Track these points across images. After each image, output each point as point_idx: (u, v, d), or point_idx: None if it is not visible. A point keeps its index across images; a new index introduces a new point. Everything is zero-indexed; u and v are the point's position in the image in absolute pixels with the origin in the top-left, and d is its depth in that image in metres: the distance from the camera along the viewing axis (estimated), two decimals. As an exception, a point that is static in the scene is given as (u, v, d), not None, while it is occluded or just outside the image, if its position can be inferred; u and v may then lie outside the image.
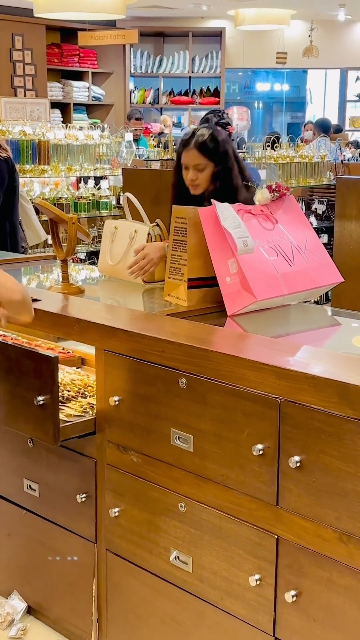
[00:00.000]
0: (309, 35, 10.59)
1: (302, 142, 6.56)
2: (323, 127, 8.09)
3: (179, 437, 1.97)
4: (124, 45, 10.83)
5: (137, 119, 8.41)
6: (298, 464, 1.71)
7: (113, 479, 2.19)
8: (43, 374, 2.01)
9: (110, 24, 10.58)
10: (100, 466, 2.23)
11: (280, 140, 5.99)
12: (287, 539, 1.78)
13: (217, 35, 11.27)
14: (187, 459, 1.96)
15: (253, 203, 2.53)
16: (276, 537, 1.80)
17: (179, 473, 2.00)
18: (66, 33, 10.60)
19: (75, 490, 2.30)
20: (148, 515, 2.10)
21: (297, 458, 1.71)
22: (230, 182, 2.75)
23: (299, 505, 1.74)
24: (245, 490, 1.84)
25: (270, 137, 5.95)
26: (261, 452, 1.77)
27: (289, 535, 1.77)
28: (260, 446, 1.77)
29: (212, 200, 2.36)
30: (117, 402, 2.11)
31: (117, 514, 2.18)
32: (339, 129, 9.24)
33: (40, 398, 2.02)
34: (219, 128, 2.77)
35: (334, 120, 11.86)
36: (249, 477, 1.82)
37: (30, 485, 2.44)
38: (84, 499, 2.27)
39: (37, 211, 4.67)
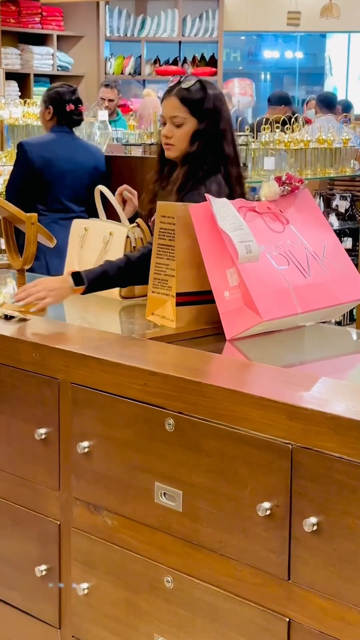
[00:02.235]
0: (328, -9, 10.71)
1: (303, 123, 6.62)
2: (326, 103, 8.08)
3: (164, 494, 1.96)
4: (97, 2, 10.91)
5: (107, 85, 8.23)
6: (315, 528, 1.71)
7: (81, 547, 2.18)
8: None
9: (81, -24, 10.68)
10: (65, 531, 2.22)
11: (293, 119, 6.03)
12: (302, 622, 1.77)
13: (213, -9, 11.40)
14: (176, 521, 1.95)
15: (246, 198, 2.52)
16: (287, 620, 1.79)
17: (165, 539, 1.99)
18: (25, -14, 10.68)
19: (34, 562, 2.28)
20: (126, 593, 2.09)
21: (313, 520, 1.70)
22: (217, 147, 2.69)
23: (316, 580, 1.73)
24: (249, 561, 1.83)
25: (281, 117, 6.00)
26: (268, 512, 1.77)
27: (304, 618, 1.77)
28: (267, 505, 1.77)
29: (207, 196, 2.37)
30: (86, 449, 2.10)
31: (86, 591, 2.17)
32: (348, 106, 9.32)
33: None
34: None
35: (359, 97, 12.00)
36: (253, 544, 1.82)
37: (-24, 555, 2.43)
38: (44, 573, 2.26)
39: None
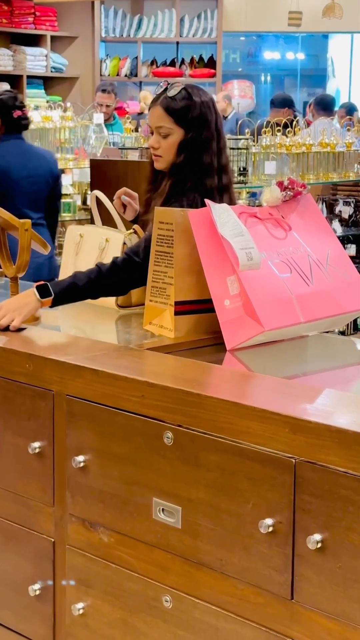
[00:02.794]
0: (331, -10, 10.75)
1: (306, 125, 6.64)
2: (322, 105, 8.10)
3: (163, 510, 1.96)
4: (92, 2, 10.95)
5: (103, 90, 8.31)
6: (319, 545, 1.70)
7: (77, 565, 2.17)
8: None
9: (75, -26, 10.72)
10: (59, 548, 2.21)
11: (295, 122, 6.05)
12: (306, 643, 1.77)
13: (212, -10, 11.44)
14: (175, 538, 1.95)
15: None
16: (291, 641, 1.79)
17: (164, 557, 1.98)
18: (18, -14, 10.71)
19: (27, 581, 2.28)
20: (123, 613, 2.08)
21: (317, 537, 1.70)
22: (197, 158, 2.63)
23: (321, 599, 1.73)
24: (251, 580, 1.83)
25: (282, 120, 6.01)
26: (271, 528, 1.76)
27: (308, 639, 1.76)
28: (269, 521, 1.76)
29: (207, 201, 2.38)
30: (82, 464, 2.10)
31: (82, 611, 2.16)
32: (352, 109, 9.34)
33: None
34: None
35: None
36: (255, 562, 1.81)
37: (-33, 574, 2.42)
38: (38, 592, 2.26)
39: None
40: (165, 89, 2.65)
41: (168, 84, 2.67)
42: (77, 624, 2.18)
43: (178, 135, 2.64)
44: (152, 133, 2.69)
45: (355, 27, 11.84)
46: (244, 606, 1.86)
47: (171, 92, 2.63)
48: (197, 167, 2.63)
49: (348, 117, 8.03)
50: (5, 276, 2.72)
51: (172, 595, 1.98)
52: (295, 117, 7.82)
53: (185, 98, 2.64)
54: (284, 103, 8.04)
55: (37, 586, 2.26)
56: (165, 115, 2.64)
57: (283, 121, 6.01)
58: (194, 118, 2.63)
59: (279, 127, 5.81)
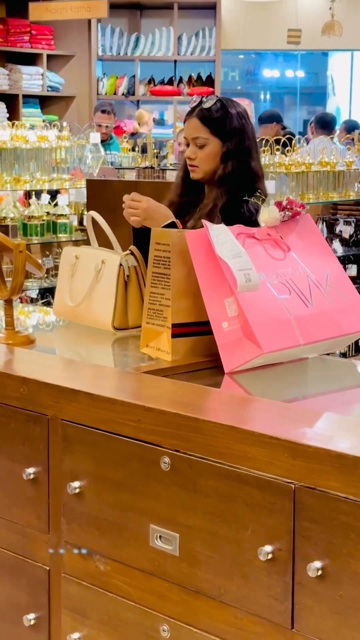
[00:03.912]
0: (330, 8, 10.82)
1: (306, 143, 6.66)
2: (321, 124, 8.19)
3: (160, 537, 1.95)
4: (89, 21, 11.02)
5: (103, 111, 8.40)
6: (319, 572, 1.70)
7: (72, 594, 2.16)
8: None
9: (72, -7, 10.78)
10: (54, 577, 2.21)
11: (294, 141, 6.08)
12: (307, 674, 1.76)
13: (210, 8, 11.51)
14: (172, 566, 1.94)
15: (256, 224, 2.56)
16: (292, 671, 1.78)
17: (161, 585, 1.98)
18: (13, 4, 10.79)
19: (22, 610, 2.27)
20: (119, 643, 2.07)
21: (318, 564, 1.70)
22: (246, 165, 2.88)
23: (322, 628, 1.72)
24: (250, 608, 1.82)
25: (281, 139, 6.04)
26: (270, 555, 1.76)
27: (309, 669, 1.76)
28: (269, 548, 1.76)
29: (204, 222, 2.38)
30: (77, 490, 2.10)
31: (77, 641, 2.15)
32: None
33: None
34: (240, 100, 2.92)
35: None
36: (255, 590, 1.80)
37: None
38: (33, 622, 2.25)
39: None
40: (200, 102, 2.89)
41: (202, 97, 2.92)
42: (73, 654, 2.17)
43: (214, 145, 2.89)
44: (187, 145, 2.92)
45: (355, 44, 11.92)
46: (244, 636, 1.85)
47: (206, 104, 2.88)
48: (247, 174, 2.88)
49: (348, 135, 8.06)
50: None
51: (169, 625, 1.97)
52: (283, 128, 7.95)
53: (221, 109, 2.88)
54: (271, 118, 8.17)
55: (31, 616, 2.25)
56: (201, 126, 2.88)
57: (273, 138, 6.03)
58: (231, 129, 2.87)
59: (277, 147, 5.83)
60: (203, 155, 2.90)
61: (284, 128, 8.49)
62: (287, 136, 6.39)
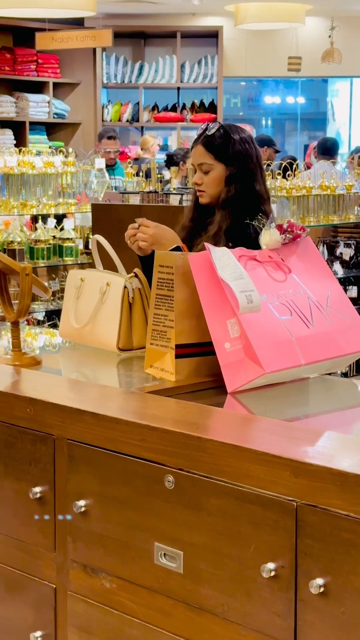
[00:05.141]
0: (329, 36, 10.90)
1: (305, 168, 6.68)
2: (322, 149, 8.23)
3: (164, 554, 1.95)
4: (94, 50, 11.08)
5: (109, 137, 8.45)
6: (322, 589, 1.69)
7: (78, 611, 2.15)
8: None
9: (77, 23, 10.86)
10: (61, 595, 2.20)
11: (295, 166, 6.10)
12: None
13: (212, 36, 11.58)
14: (176, 584, 1.93)
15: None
16: None
17: (166, 602, 1.97)
18: (20, 34, 10.85)
19: (29, 628, 2.26)
20: (125, 660, 2.06)
21: (320, 581, 1.69)
22: (250, 187, 2.91)
23: (325, 645, 1.71)
24: (253, 625, 1.81)
25: (282, 163, 6.06)
26: (273, 573, 1.75)
27: None
28: (272, 565, 1.75)
29: (206, 244, 2.39)
30: (83, 509, 2.09)
31: (83, 658, 2.14)
32: None
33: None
34: (242, 125, 2.98)
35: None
36: (258, 607, 1.80)
37: (-32, 621, 2.40)
38: (39, 639, 2.23)
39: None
40: (205, 129, 2.95)
41: (208, 124, 2.97)
42: (79, 671, 2.16)
43: (219, 170, 2.93)
44: (195, 171, 2.98)
45: (354, 71, 11.99)
46: (247, 652, 1.84)
47: (210, 131, 2.93)
48: (252, 196, 2.92)
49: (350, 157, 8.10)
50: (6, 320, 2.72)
51: (174, 642, 1.96)
52: (276, 152, 8.06)
53: (223, 135, 2.93)
54: (262, 143, 8.27)
55: (38, 633, 2.24)
56: (206, 153, 2.94)
57: (266, 163, 6.06)
58: (234, 153, 2.92)
59: (279, 172, 5.86)
60: (209, 180, 2.95)
61: (277, 152, 8.61)
62: (288, 161, 6.41)
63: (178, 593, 1.94)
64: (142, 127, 11.72)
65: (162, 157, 10.27)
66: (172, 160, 7.60)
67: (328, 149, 8.26)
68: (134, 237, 2.84)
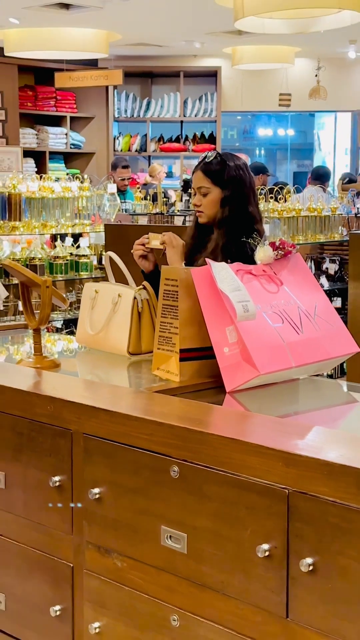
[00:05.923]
0: (316, 75, 10.89)
1: (297, 191, 6.68)
2: (315, 175, 8.37)
3: (170, 536, 1.94)
4: (107, 87, 11.10)
5: (124, 167, 8.50)
6: (311, 568, 1.68)
7: (93, 588, 2.15)
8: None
9: (92, 64, 10.88)
10: (77, 573, 2.19)
11: (285, 190, 6.10)
12: (301, 658, 1.74)
13: (211, 75, 11.59)
14: (181, 563, 1.93)
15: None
16: (287, 656, 1.76)
17: (171, 580, 1.96)
18: (41, 74, 10.88)
19: (49, 603, 2.25)
20: (135, 631, 2.05)
21: (309, 560, 1.68)
22: (243, 209, 2.92)
23: (313, 617, 1.70)
24: (250, 600, 1.81)
25: (274, 188, 6.06)
26: (267, 553, 1.75)
27: (303, 654, 1.73)
28: (266, 546, 1.75)
29: (207, 260, 2.39)
30: (97, 496, 2.09)
31: (98, 630, 2.13)
32: (352, 179, 9.39)
33: None
34: (237, 154, 3.01)
35: (345, 169, 12.12)
36: (254, 583, 1.79)
37: (-6, 597, 2.39)
38: (58, 613, 2.23)
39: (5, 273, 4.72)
40: (205, 157, 2.97)
41: (207, 153, 2.99)
42: (94, 641, 2.15)
43: (216, 193, 2.94)
44: (194, 194, 3.01)
45: (338, 106, 12.01)
46: (244, 624, 1.83)
47: (208, 159, 2.95)
48: (245, 217, 2.92)
49: (351, 185, 8.10)
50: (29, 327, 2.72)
51: (179, 615, 1.95)
52: (268, 175, 8.12)
53: (220, 162, 2.94)
54: (257, 171, 8.31)
55: (57, 607, 2.23)
56: (204, 177, 2.95)
57: (259, 188, 6.07)
58: (229, 178, 2.92)
59: (271, 195, 5.86)
60: (206, 202, 2.95)
61: (269, 175, 8.67)
62: (280, 186, 6.41)
63: (182, 571, 1.93)
64: (149, 157, 11.74)
65: (168, 183, 10.29)
66: (188, 185, 7.64)
67: (320, 175, 8.34)
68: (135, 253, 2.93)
